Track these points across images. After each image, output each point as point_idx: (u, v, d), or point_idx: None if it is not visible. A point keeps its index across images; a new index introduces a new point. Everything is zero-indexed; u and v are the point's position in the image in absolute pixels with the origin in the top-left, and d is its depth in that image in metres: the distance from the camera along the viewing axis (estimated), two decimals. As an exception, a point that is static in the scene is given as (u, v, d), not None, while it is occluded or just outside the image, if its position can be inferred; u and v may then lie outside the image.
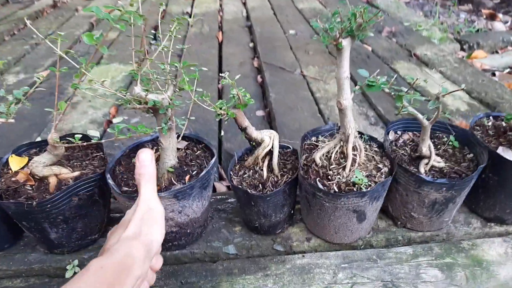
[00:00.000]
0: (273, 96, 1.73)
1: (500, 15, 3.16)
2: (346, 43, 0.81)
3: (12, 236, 0.97)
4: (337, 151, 0.89)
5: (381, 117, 1.57)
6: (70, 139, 0.82)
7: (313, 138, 1.00)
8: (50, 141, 0.82)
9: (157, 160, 0.87)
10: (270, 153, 0.93)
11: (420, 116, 0.86)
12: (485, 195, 0.96)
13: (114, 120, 1.58)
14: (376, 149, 0.95)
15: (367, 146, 0.94)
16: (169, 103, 0.79)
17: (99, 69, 2.08)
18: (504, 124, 0.99)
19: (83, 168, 0.92)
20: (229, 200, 1.09)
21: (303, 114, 1.59)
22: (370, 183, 0.84)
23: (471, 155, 0.94)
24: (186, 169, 0.90)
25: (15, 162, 0.90)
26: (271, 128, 1.56)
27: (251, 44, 2.48)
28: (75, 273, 0.89)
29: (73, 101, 1.71)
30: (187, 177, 0.87)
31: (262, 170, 0.92)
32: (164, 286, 0.86)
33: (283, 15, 3.00)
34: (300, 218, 1.01)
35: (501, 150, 0.90)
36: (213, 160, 0.90)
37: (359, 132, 0.96)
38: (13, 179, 0.87)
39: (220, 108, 0.83)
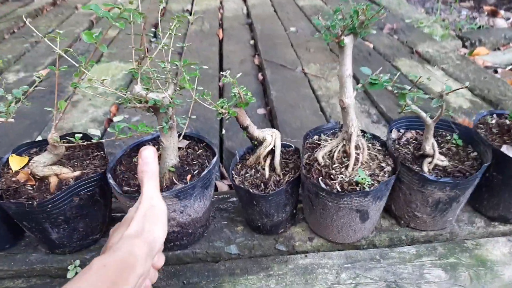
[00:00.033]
0: (274, 94, 1.72)
1: (502, 12, 3.15)
2: (348, 40, 0.80)
3: (12, 236, 0.96)
4: (339, 150, 0.89)
5: (383, 115, 1.56)
6: (71, 138, 0.82)
7: (315, 137, 0.99)
8: (51, 140, 0.82)
9: (158, 159, 0.87)
10: (272, 152, 0.92)
11: (423, 114, 0.85)
12: (489, 194, 0.95)
13: (115, 119, 1.57)
14: (379, 147, 0.94)
15: (370, 145, 0.93)
16: (170, 102, 0.78)
17: (99, 67, 2.07)
18: (508, 122, 0.98)
19: (84, 168, 0.91)
20: (231, 200, 1.08)
21: (304, 112, 1.58)
22: (373, 182, 0.83)
23: (475, 153, 0.93)
24: (187, 168, 0.89)
25: (16, 162, 0.90)
26: (272, 126, 1.55)
27: (252, 42, 2.47)
28: (76, 273, 0.88)
29: (74, 99, 1.70)
30: (188, 177, 0.87)
31: (264, 169, 0.92)
32: (166, 287, 0.86)
33: (284, 12, 2.99)
34: (302, 218, 1.00)
35: (505, 149, 0.89)
36: (215, 159, 0.89)
37: (362, 131, 0.95)
38: (13, 179, 0.86)
39: (222, 107, 0.82)
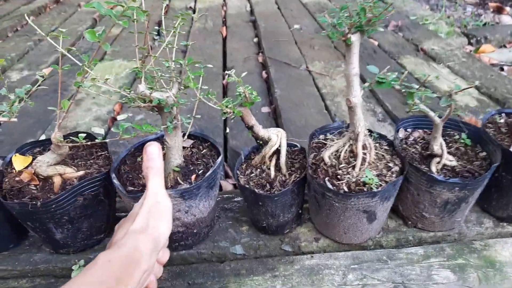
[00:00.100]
0: (278, 92, 1.70)
1: (508, 8, 3.11)
2: (355, 38, 0.79)
3: (16, 236, 0.96)
4: (346, 150, 0.87)
5: (388, 113, 1.55)
6: (74, 138, 0.81)
7: (321, 136, 0.97)
8: (54, 140, 0.81)
9: (163, 157, 0.86)
10: (277, 151, 0.91)
11: (432, 113, 0.84)
12: (498, 194, 0.93)
13: (119, 117, 1.56)
14: (386, 147, 0.93)
15: (377, 145, 0.92)
16: (174, 101, 0.77)
17: (103, 65, 2.06)
18: (517, 121, 0.97)
19: (88, 167, 0.91)
20: (235, 199, 1.07)
21: (309, 111, 1.57)
22: (380, 183, 0.82)
23: (484, 153, 0.92)
24: (192, 168, 0.88)
25: (19, 162, 0.89)
26: (277, 124, 1.54)
27: (255, 39, 2.45)
28: (80, 273, 0.88)
29: (77, 98, 1.69)
30: (193, 177, 0.86)
31: (269, 169, 0.90)
32: (171, 287, 0.85)
33: (288, 10, 2.97)
34: (308, 218, 0.99)
35: (514, 148, 0.88)
36: (219, 159, 0.88)
37: (369, 130, 0.93)
38: (17, 178, 0.85)
39: (226, 107, 0.81)
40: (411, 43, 2.29)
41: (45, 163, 0.84)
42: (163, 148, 0.89)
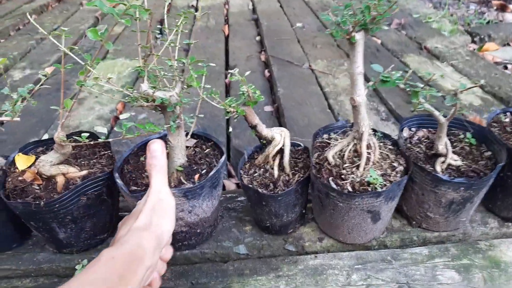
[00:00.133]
0: (281, 91, 1.70)
1: (511, 6, 3.09)
2: (359, 37, 0.78)
3: (19, 235, 0.95)
4: (350, 150, 0.87)
5: (392, 112, 1.54)
6: (77, 137, 0.81)
7: (325, 136, 0.97)
8: (57, 140, 0.81)
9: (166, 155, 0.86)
10: (281, 151, 0.90)
11: (436, 112, 0.83)
12: (503, 194, 0.93)
13: (121, 116, 1.56)
14: (391, 146, 0.92)
15: (381, 144, 0.92)
16: (177, 101, 0.77)
17: (105, 64, 2.06)
18: (523, 120, 0.96)
19: (91, 167, 0.90)
20: (239, 199, 1.07)
21: (312, 109, 1.56)
22: (385, 183, 0.81)
23: (489, 152, 0.91)
24: (195, 167, 0.88)
25: (22, 161, 0.89)
26: (280, 123, 1.54)
27: (258, 38, 2.45)
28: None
29: (80, 97, 1.69)
30: (196, 176, 0.85)
31: (273, 168, 0.90)
32: (174, 287, 0.85)
33: (290, 8, 2.96)
34: (312, 218, 0.99)
35: (520, 148, 0.87)
36: (223, 158, 0.87)
37: (373, 129, 0.93)
38: (20, 178, 0.85)
39: (230, 106, 0.80)
40: (414, 41, 2.28)
41: (48, 163, 0.84)
42: (166, 148, 0.89)
